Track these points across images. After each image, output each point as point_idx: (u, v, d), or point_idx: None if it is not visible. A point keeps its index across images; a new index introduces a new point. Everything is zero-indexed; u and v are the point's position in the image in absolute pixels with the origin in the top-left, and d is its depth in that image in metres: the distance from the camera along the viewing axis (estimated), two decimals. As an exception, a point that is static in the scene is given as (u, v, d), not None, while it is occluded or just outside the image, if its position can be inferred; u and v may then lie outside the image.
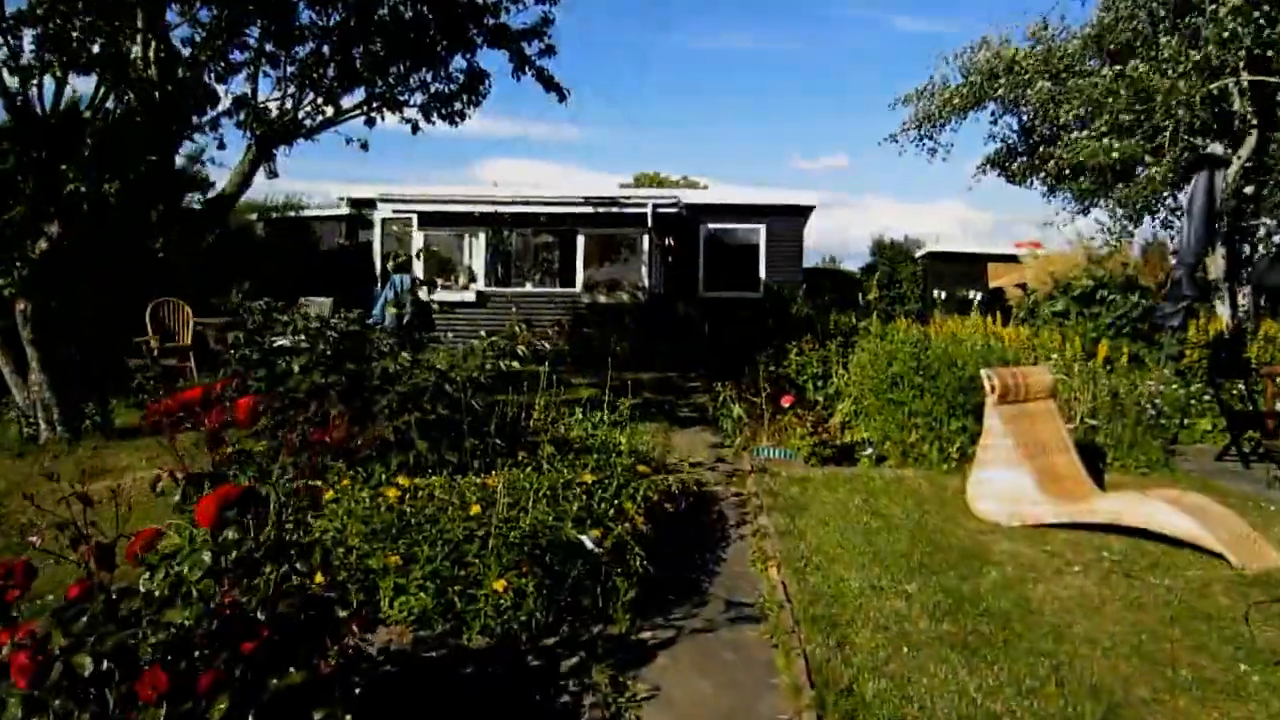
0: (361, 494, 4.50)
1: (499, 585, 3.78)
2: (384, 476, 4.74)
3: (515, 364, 5.58)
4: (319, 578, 3.95)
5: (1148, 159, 9.22)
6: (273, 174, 7.90)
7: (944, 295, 19.95)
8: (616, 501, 4.63)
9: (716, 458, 7.63)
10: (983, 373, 5.89)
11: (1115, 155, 8.99)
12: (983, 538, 5.33)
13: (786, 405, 7.55)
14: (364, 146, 8.38)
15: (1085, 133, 9.73)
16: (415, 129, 8.16)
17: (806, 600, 4.22)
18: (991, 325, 10.02)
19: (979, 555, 4.96)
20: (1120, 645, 3.76)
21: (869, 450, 7.26)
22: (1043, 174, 11.81)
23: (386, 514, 4.21)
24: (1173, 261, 11.08)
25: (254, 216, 19.55)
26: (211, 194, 21.34)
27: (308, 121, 7.74)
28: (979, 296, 20.11)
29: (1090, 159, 9.19)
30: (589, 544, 3.74)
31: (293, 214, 19.14)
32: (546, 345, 5.79)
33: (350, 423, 4.95)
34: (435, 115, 8.28)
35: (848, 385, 7.93)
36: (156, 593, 2.44)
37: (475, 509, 4.23)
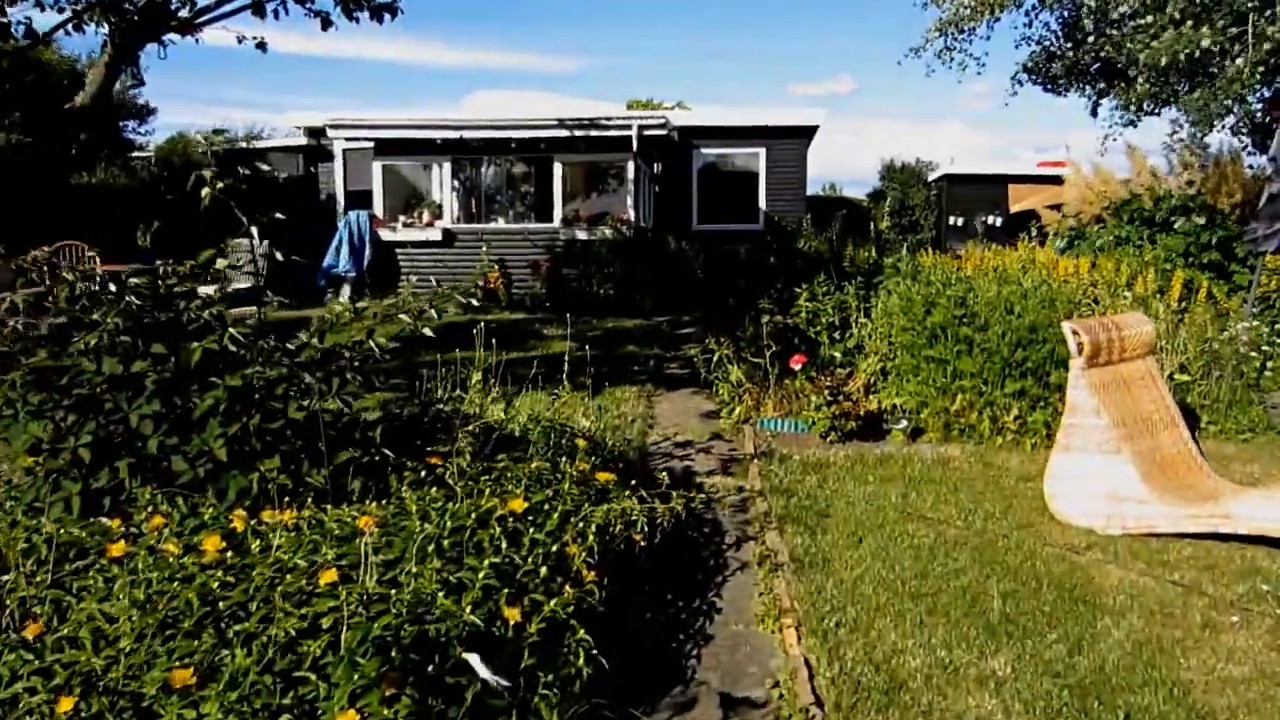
0: (168, 544, 3.00)
1: None
2: (212, 514, 3.23)
3: (426, 330, 4.01)
4: (65, 705, 2.49)
5: (1232, 49, 7.50)
6: (138, 80, 6.24)
7: (961, 221, 18.26)
8: (557, 545, 3.13)
9: (711, 434, 6.13)
10: (1066, 327, 4.34)
11: (1204, 44, 7.25)
12: (1078, 559, 3.84)
13: (796, 367, 6.02)
14: (260, 46, 6.68)
15: (1150, 19, 7.97)
16: (326, 24, 6.47)
17: (846, 701, 2.75)
18: (1039, 255, 8.42)
19: (1084, 594, 3.48)
20: (1369, 798, 2.29)
21: (902, 422, 5.75)
22: (1093, 78, 10.03)
23: (185, 588, 2.71)
24: (1247, 173, 9.43)
25: (201, 149, 17.72)
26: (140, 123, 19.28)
27: (183, 12, 6.04)
28: (999, 221, 18.41)
29: (1163, 54, 7.46)
30: (481, 670, 2.24)
31: (244, 145, 17.28)
32: (474, 300, 4.22)
33: (169, 430, 3.45)
34: (355, 9, 6.57)
35: (872, 338, 6.39)
36: None
37: (329, 576, 2.73)
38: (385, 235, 13.68)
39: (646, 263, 13.20)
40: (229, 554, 2.93)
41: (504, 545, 2.99)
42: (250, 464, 3.28)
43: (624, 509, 3.58)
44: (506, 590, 2.77)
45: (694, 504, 3.81)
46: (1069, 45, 10.33)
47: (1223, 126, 8.80)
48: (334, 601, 2.61)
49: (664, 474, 5.29)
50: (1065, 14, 10.54)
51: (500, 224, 13.98)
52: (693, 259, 13.96)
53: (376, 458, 3.49)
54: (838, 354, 6.56)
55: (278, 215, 3.71)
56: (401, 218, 13.93)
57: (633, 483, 3.95)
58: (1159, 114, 9.74)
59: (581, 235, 13.33)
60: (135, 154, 17.43)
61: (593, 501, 3.58)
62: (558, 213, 13.60)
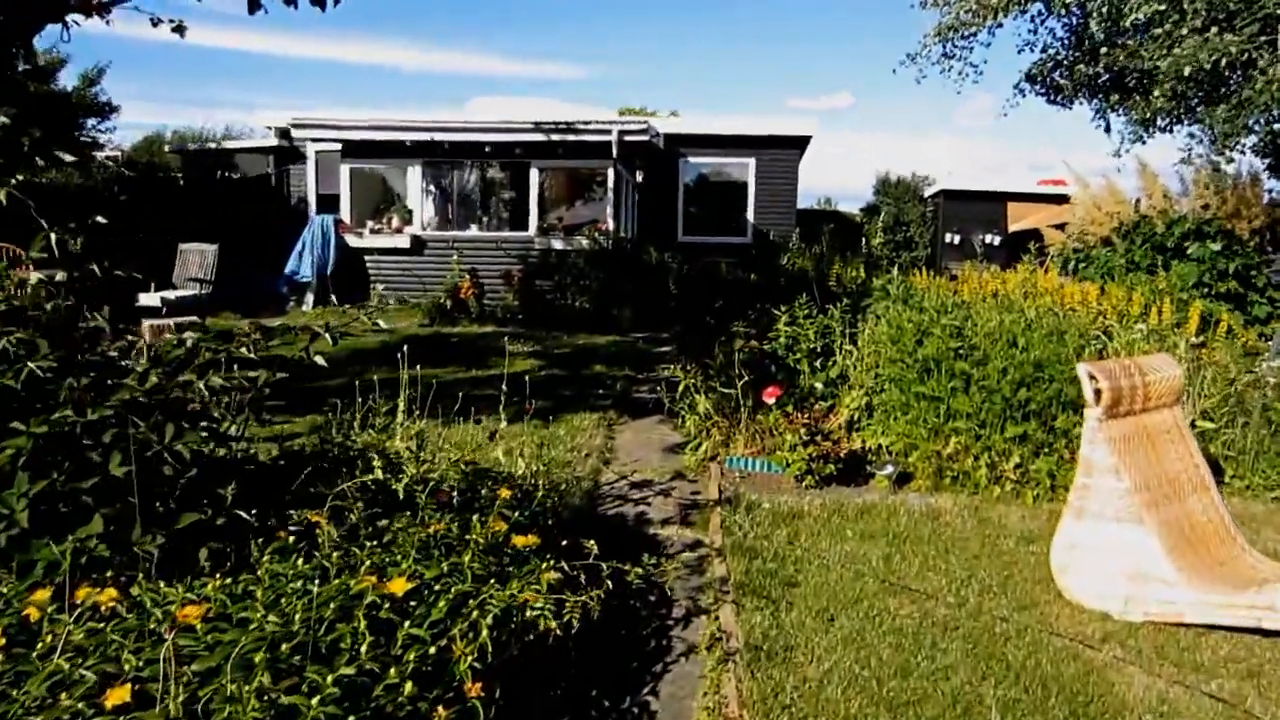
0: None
1: None
2: (9, 594, 2.54)
3: (318, 359, 3.32)
4: None
5: (1260, 58, 6.87)
6: (32, 67, 5.59)
7: (958, 239, 17.65)
8: (443, 642, 2.45)
9: (673, 472, 5.46)
10: (1082, 370, 3.68)
11: (1232, 50, 6.60)
12: (1094, 656, 3.18)
13: (770, 401, 5.36)
14: (178, 30, 6.03)
15: (1168, 27, 7.36)
16: (254, 7, 5.81)
17: None
18: (1042, 279, 7.77)
19: (1102, 709, 2.81)
20: None
21: (888, 467, 5.09)
22: (1103, 89, 9.40)
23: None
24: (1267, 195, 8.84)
25: (166, 149, 17.02)
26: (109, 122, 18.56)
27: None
28: (997, 240, 17.81)
29: (1187, 62, 6.83)
30: None
31: (212, 146, 16.57)
32: (385, 325, 3.54)
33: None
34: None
35: (857, 369, 5.74)
36: None
37: (119, 695, 2.07)
38: (353, 241, 13.01)
39: (626, 275, 12.54)
40: (4, 655, 2.26)
41: (364, 647, 2.33)
42: (65, 530, 2.60)
43: (540, 588, 2.90)
44: (353, 718, 2.11)
45: (629, 577, 3.12)
46: (1077, 54, 9.72)
47: (1243, 147, 8.18)
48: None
49: (614, 520, 4.66)
50: (1073, 20, 9.92)
51: (473, 232, 13.31)
52: (675, 272, 13.30)
53: (231, 519, 2.81)
54: (819, 384, 5.90)
55: (99, 219, 3.01)
56: (370, 223, 13.27)
57: (564, 543, 3.29)
58: (1173, 131, 9.14)
59: (558, 245, 12.68)
60: (101, 153, 16.69)
61: (502, 577, 2.91)
62: (533, 221, 12.94)
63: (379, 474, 2.86)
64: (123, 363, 2.99)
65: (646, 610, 3.60)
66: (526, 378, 8.02)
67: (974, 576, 3.88)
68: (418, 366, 4.73)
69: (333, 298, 12.79)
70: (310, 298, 12.86)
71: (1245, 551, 3.68)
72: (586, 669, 3.06)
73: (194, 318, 8.38)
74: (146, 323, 8.07)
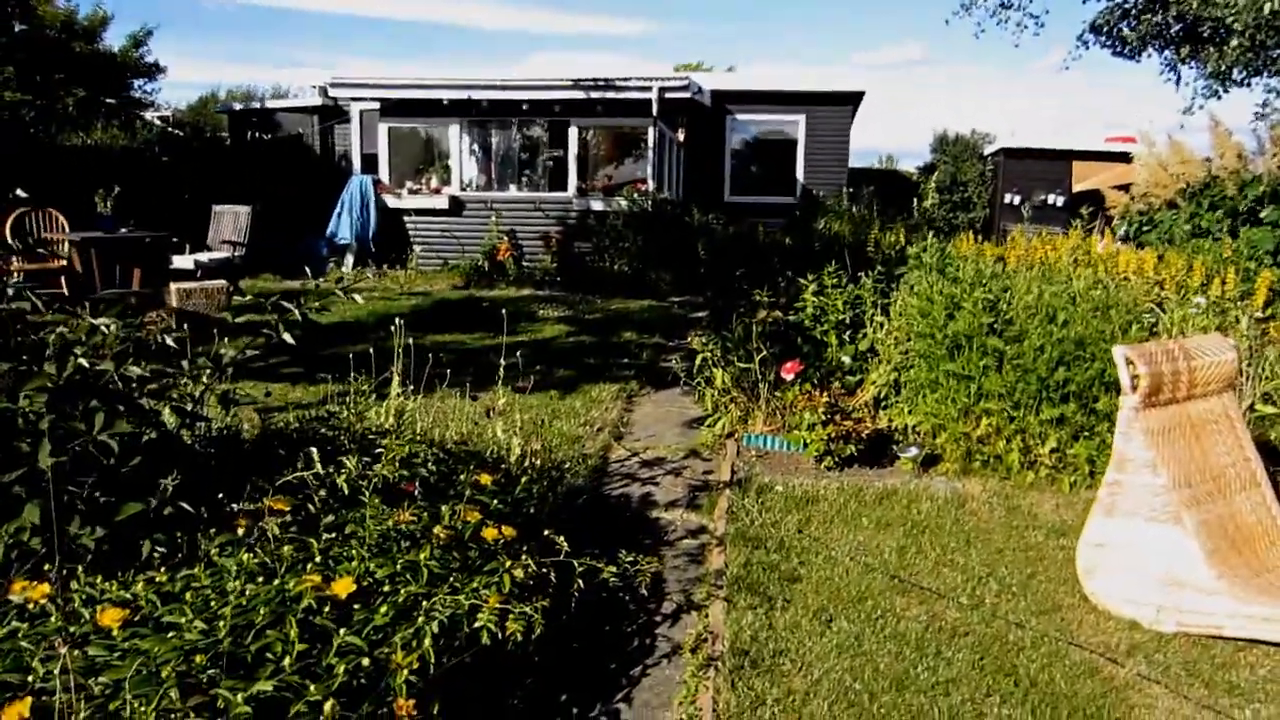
0: None
1: None
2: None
3: (286, 337, 3.15)
4: None
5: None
6: (29, 27, 5.50)
7: (1019, 200, 16.83)
8: (382, 650, 2.29)
9: (688, 449, 5.23)
10: (1118, 354, 3.32)
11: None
12: (1116, 673, 2.88)
13: (788, 376, 5.07)
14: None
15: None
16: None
17: None
18: (1094, 245, 7.24)
19: (1116, 740, 2.54)
20: None
21: (914, 450, 4.78)
22: (1174, 40, 8.70)
23: None
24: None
25: (217, 109, 17.10)
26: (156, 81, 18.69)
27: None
28: (1060, 200, 16.95)
29: (1267, 2, 6.20)
30: None
31: (256, 105, 16.56)
32: (360, 299, 3.36)
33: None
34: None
35: (886, 343, 5.40)
36: None
37: (14, 712, 1.95)
38: (391, 202, 12.93)
39: (667, 237, 12.21)
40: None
41: (290, 658, 2.16)
42: (-2, 517, 2.49)
43: (502, 585, 2.71)
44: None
45: (604, 575, 2.92)
46: (1145, 1, 8.98)
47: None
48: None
49: (617, 502, 4.46)
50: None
51: (512, 192, 13.10)
52: (720, 234, 12.91)
53: (178, 509, 2.68)
54: (847, 359, 5.58)
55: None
56: (408, 184, 13.16)
57: (545, 533, 3.11)
58: (1250, 85, 8.42)
59: (597, 206, 12.41)
60: (154, 113, 16.87)
61: (465, 573, 2.73)
62: (572, 181, 12.68)
63: (318, 467, 2.69)
64: (75, 347, 2.86)
65: (635, 604, 3.40)
66: (576, 341, 7.81)
67: (994, 574, 3.59)
68: (423, 334, 4.55)
69: (370, 260, 12.76)
70: (350, 259, 12.85)
71: (1299, 557, 3.31)
72: (561, 670, 2.88)
73: (223, 281, 8.36)
74: (174, 286, 8.09)
